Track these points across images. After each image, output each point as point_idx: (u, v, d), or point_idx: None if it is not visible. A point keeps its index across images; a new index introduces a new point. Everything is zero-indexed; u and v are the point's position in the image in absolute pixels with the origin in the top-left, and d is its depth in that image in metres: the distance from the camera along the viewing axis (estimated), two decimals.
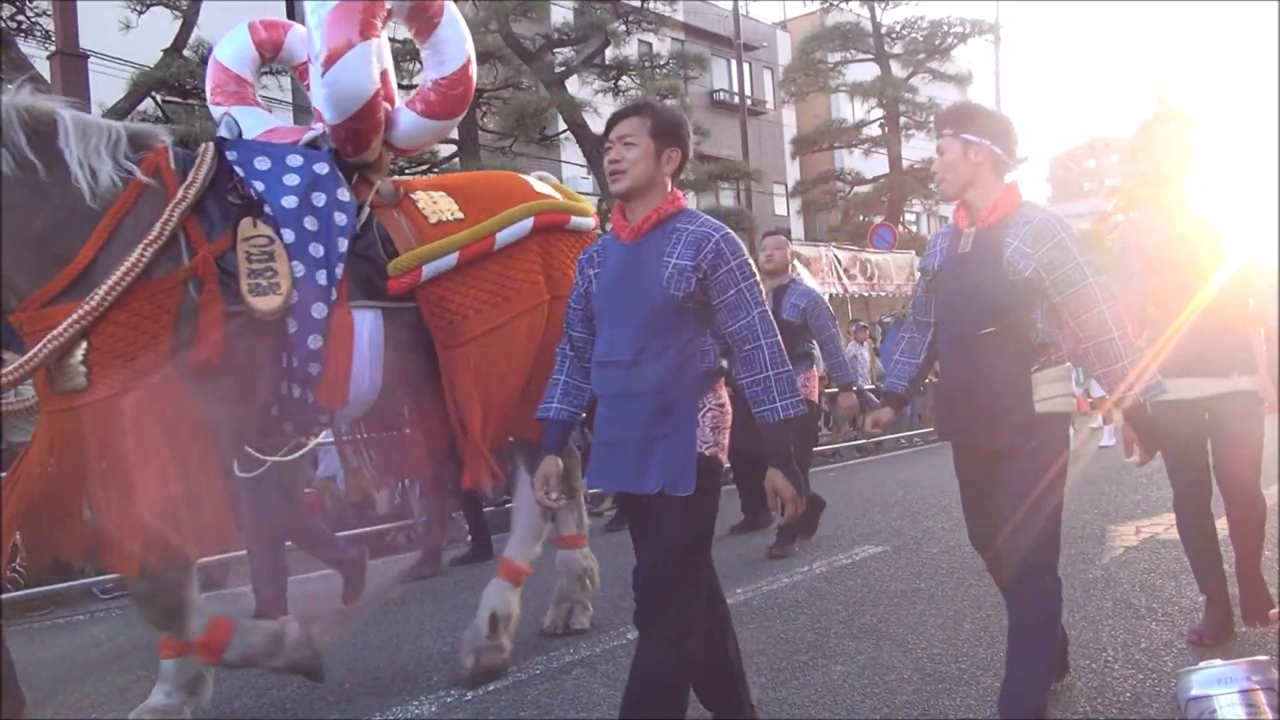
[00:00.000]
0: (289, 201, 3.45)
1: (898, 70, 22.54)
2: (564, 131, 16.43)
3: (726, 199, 21.09)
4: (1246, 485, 3.74)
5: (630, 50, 17.37)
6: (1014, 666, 2.87)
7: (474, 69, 4.08)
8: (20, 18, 11.35)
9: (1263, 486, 3.84)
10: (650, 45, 19.17)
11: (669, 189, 2.83)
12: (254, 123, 4.04)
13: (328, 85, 3.64)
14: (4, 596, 5.11)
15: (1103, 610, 4.27)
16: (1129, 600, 4.40)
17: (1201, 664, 2.68)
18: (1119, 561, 5.18)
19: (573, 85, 16.00)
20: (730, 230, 2.76)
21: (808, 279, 13.41)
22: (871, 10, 22.16)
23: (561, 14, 16.53)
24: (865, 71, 22.89)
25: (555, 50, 15.68)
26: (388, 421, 4.07)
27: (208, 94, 4.26)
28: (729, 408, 2.82)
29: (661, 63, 17.31)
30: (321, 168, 3.61)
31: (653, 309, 2.70)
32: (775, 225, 26.27)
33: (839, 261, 14.49)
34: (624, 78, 16.31)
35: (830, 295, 15.31)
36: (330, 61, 3.59)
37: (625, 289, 2.77)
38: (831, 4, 23.57)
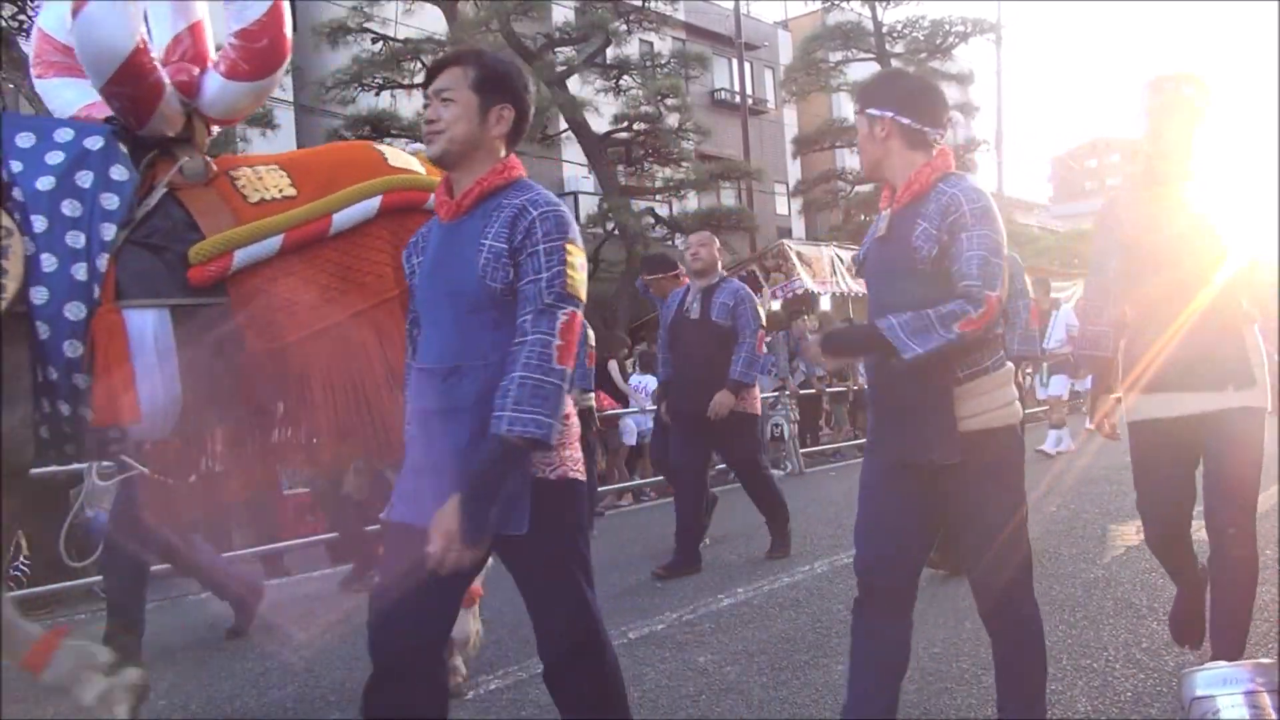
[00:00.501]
0: (45, 183, 2.90)
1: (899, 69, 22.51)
2: (565, 131, 16.44)
3: (727, 198, 21.09)
4: (1240, 535, 3.01)
5: (631, 49, 17.38)
6: (1004, 708, 2.67)
7: (286, 16, 3.46)
8: (21, 17, 11.36)
9: (1262, 488, 3.80)
10: (651, 44, 19.17)
11: (500, 155, 2.31)
12: (75, 96, 3.46)
13: (77, 41, 3.11)
14: (5, 596, 5.10)
15: (1104, 609, 4.27)
16: (1130, 600, 4.40)
17: (1206, 664, 2.67)
18: (1120, 561, 5.18)
19: (574, 85, 16.01)
20: (561, 209, 2.26)
21: (808, 280, 13.50)
22: (873, 9, 22.13)
23: (562, 13, 16.53)
24: (866, 71, 22.82)
25: (556, 49, 15.68)
26: (195, 440, 3.31)
27: (30, 67, 3.66)
28: (574, 418, 2.36)
29: (662, 62, 17.33)
30: (94, 142, 3.06)
31: (469, 305, 2.23)
32: (776, 225, 26.38)
33: (840, 260, 14.47)
34: (625, 77, 16.33)
35: (831, 295, 15.33)
36: (75, 14, 3.04)
37: (438, 280, 2.30)
38: (832, 3, 23.55)
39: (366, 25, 14.72)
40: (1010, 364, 2.62)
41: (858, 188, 23.41)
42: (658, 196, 18.16)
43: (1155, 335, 3.09)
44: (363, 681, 2.29)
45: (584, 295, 2.24)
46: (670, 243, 18.98)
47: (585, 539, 2.39)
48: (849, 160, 25.07)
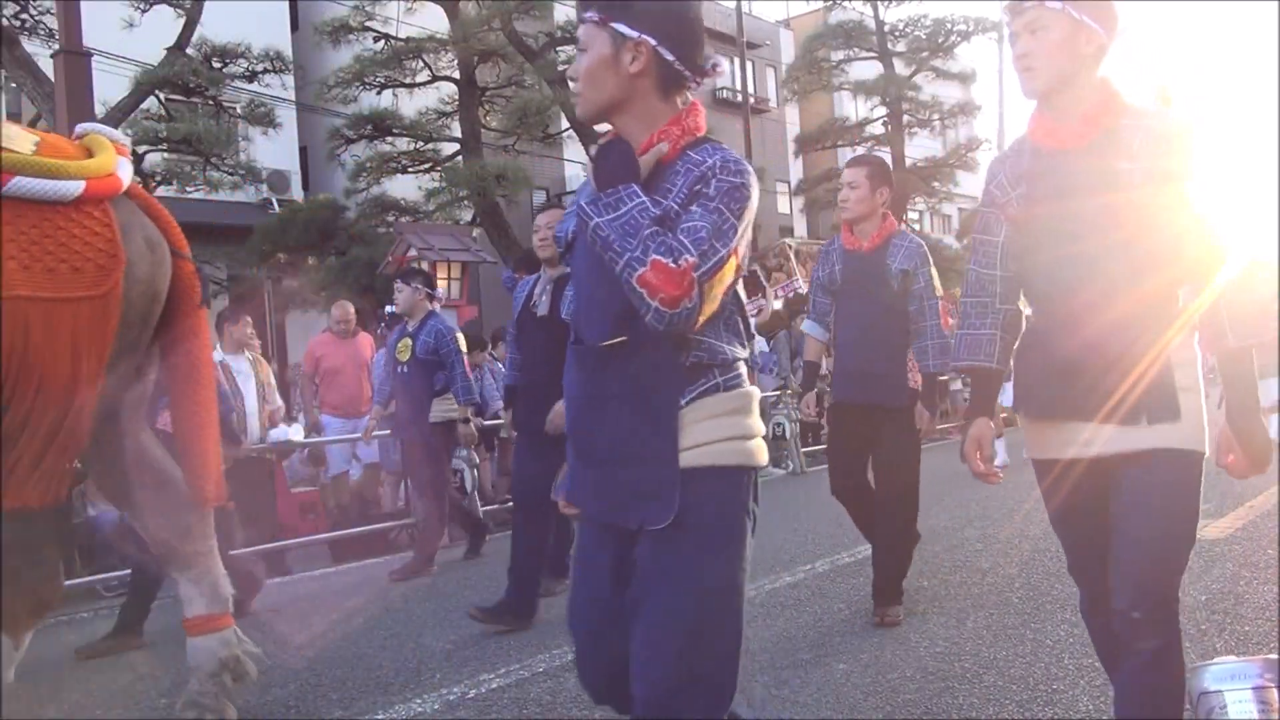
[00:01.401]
0: None
1: (901, 68, 22.48)
2: (567, 130, 16.42)
3: None
4: (1148, 623, 2.19)
5: None
6: None
7: None
8: (24, 16, 11.38)
9: (1262, 488, 3.76)
10: None
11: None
12: None
13: None
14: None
15: None
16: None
17: (1215, 660, 2.67)
18: None
19: None
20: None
21: (801, 283, 13.46)
22: (874, 8, 22.11)
23: (564, 12, 16.51)
24: (868, 70, 22.86)
25: (558, 48, 15.65)
26: None
27: None
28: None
29: None
30: None
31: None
32: (778, 224, 26.39)
33: None
34: None
35: None
36: None
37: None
38: (834, 2, 23.53)
39: (368, 24, 14.71)
40: (753, 390, 1.97)
41: None
42: None
43: (1051, 338, 2.30)
44: (363, 681, 2.29)
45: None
46: None
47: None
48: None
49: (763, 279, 13.56)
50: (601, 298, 1.91)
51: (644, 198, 1.79)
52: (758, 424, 1.96)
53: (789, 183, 25.82)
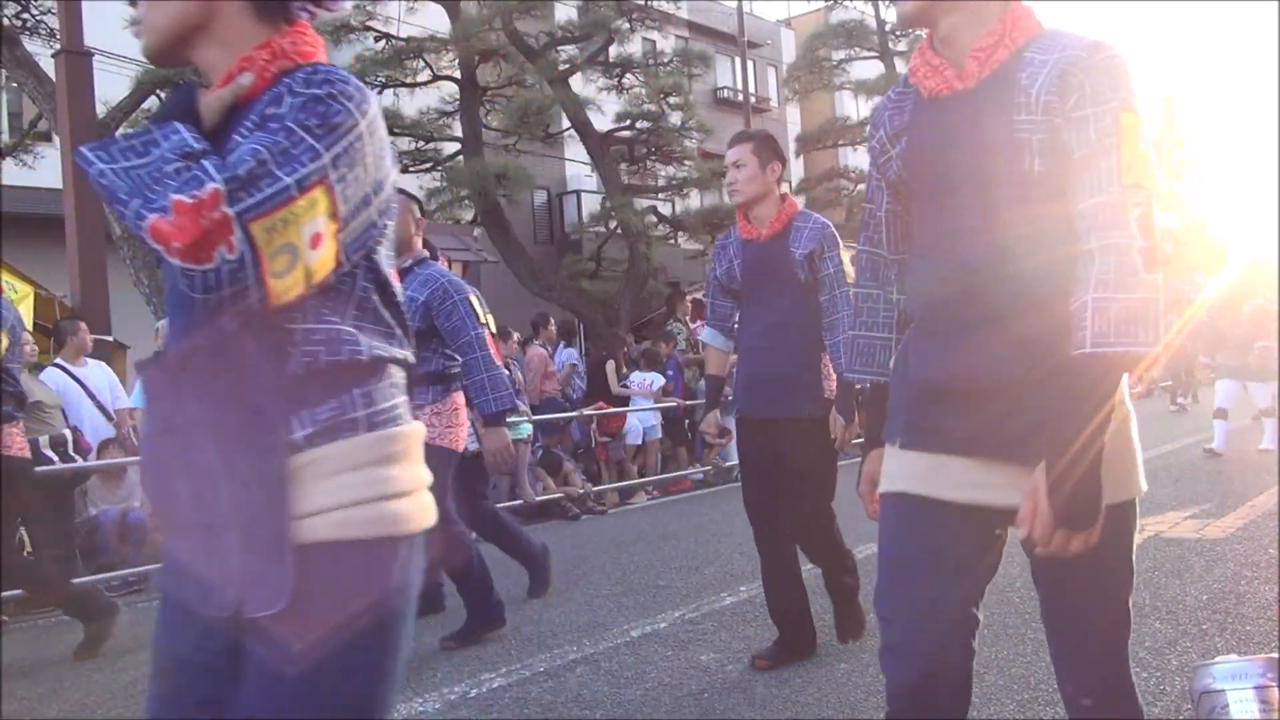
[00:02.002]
0: None
1: (902, 68, 22.43)
2: (568, 129, 16.43)
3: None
4: (1103, 705, 1.82)
5: (634, 48, 17.38)
6: None
7: None
8: (25, 16, 11.38)
9: (1263, 488, 3.77)
10: (654, 43, 19.16)
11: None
12: None
13: None
14: (7, 594, 5.12)
15: None
16: (1132, 598, 4.39)
17: (1216, 658, 2.67)
18: None
19: (577, 83, 16.01)
20: None
21: None
22: (875, 7, 22.12)
23: (565, 11, 16.52)
24: (869, 69, 22.87)
25: (559, 48, 15.67)
26: None
27: None
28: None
29: (665, 60, 17.30)
30: None
31: None
32: None
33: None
34: (628, 75, 16.33)
35: None
36: None
37: None
38: (835, 2, 23.54)
39: (369, 23, 14.72)
40: (410, 430, 1.37)
41: (860, 186, 23.42)
42: (660, 195, 18.14)
43: (927, 349, 1.77)
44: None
45: None
46: (673, 241, 19.01)
47: None
48: (852, 158, 25.09)
49: None
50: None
51: (185, 134, 1.22)
52: (414, 473, 1.37)
53: (790, 182, 25.80)
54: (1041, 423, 1.56)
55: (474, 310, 4.16)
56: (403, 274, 4.00)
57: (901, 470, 1.78)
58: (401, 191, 3.91)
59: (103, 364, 7.28)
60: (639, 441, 10.46)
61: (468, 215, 15.38)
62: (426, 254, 4.29)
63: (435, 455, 3.31)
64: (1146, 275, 1.50)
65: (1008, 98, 1.63)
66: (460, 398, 4.26)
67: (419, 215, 4.31)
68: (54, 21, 10.51)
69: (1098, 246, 1.53)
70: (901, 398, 1.82)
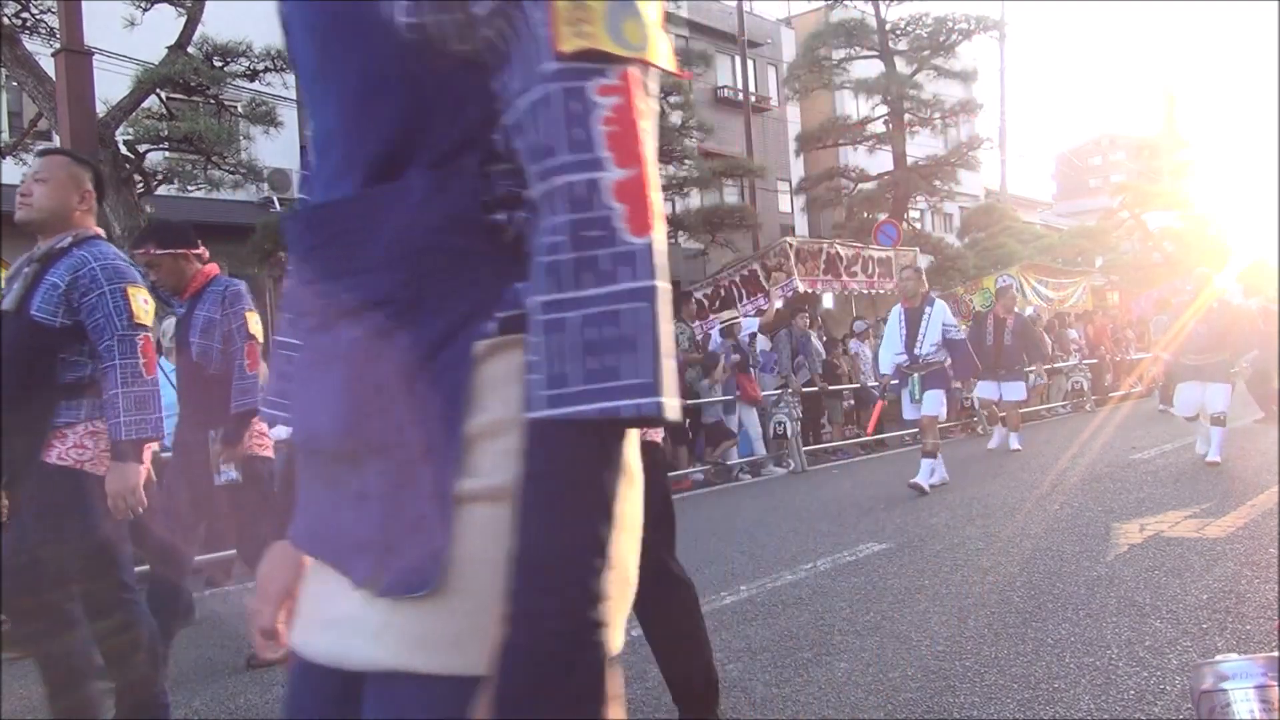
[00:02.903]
0: None
1: (902, 67, 22.49)
2: None
3: (730, 196, 21.07)
4: None
5: None
6: None
7: None
8: (25, 15, 11.38)
9: (1264, 487, 3.79)
10: None
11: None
12: None
13: None
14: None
15: (1106, 607, 4.26)
16: (1133, 598, 4.39)
17: (1216, 657, 2.68)
18: (1123, 559, 5.18)
19: None
20: None
21: (798, 282, 13.46)
22: (876, 7, 22.13)
23: None
24: (870, 68, 22.87)
25: None
26: None
27: None
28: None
29: None
30: None
31: None
32: (779, 222, 26.37)
33: (841, 259, 14.45)
34: None
35: (831, 294, 15.31)
36: None
37: None
38: (836, 1, 23.55)
39: None
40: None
41: (861, 185, 23.44)
42: (661, 194, 18.13)
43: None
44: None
45: None
46: (673, 241, 19.00)
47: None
48: (852, 157, 25.10)
49: (763, 278, 13.56)
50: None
51: None
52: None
53: (790, 181, 25.82)
54: None
55: (128, 306, 3.07)
56: (56, 256, 3.10)
57: None
58: (76, 157, 3.34)
59: None
60: None
61: None
62: (94, 233, 3.22)
63: (90, 485, 2.98)
64: None
65: None
66: None
67: (88, 187, 3.23)
68: (54, 20, 10.51)
69: None
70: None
